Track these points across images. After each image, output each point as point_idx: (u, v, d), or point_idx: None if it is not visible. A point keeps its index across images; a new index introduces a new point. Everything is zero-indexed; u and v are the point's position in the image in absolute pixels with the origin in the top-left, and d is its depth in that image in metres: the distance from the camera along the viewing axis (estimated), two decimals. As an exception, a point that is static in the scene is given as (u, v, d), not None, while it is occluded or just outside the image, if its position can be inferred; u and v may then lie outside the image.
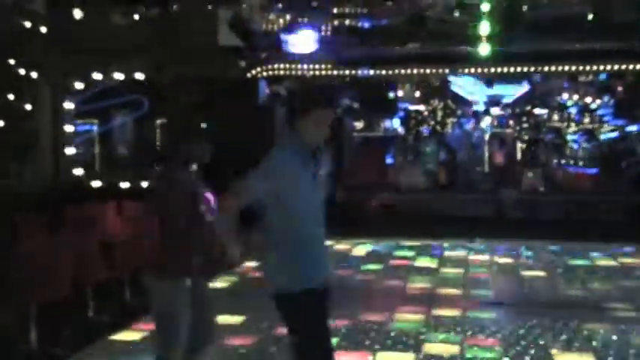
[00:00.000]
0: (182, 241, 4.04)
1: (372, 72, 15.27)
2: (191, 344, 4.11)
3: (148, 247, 4.38)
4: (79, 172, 14.39)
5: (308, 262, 3.49)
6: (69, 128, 14.32)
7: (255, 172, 3.46)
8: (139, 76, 14.11)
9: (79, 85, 14.20)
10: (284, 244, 3.48)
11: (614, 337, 6.27)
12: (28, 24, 12.94)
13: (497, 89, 19.55)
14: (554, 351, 5.85)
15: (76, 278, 6.25)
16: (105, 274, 6.97)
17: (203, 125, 4.20)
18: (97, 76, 14.17)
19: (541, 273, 9.27)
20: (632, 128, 18.54)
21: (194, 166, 4.13)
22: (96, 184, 14.24)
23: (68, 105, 14.21)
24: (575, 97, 20.40)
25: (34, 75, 13.37)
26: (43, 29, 13.31)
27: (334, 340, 5.69)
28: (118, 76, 14.19)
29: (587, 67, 14.83)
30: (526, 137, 20.56)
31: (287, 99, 3.42)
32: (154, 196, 4.17)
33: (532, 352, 5.83)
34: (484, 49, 14.01)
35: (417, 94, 21.79)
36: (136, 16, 13.89)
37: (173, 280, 4.04)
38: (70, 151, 14.26)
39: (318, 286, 3.49)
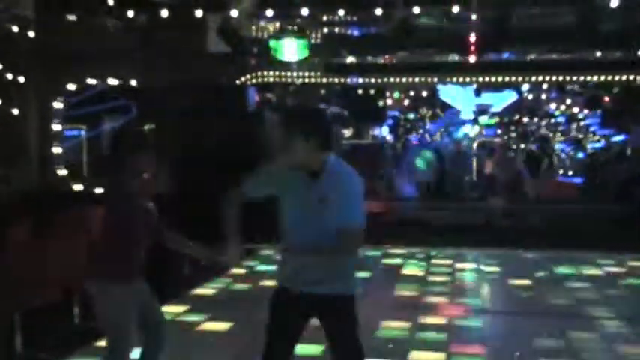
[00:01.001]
0: (122, 246, 4.10)
1: (361, 80, 15.31)
2: (143, 351, 4.19)
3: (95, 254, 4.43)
4: (66, 177, 14.32)
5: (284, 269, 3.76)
6: (57, 133, 14.26)
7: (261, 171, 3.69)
8: (128, 81, 14.08)
9: (67, 91, 14.15)
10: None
11: (600, 346, 6.30)
12: (16, 29, 12.89)
13: (486, 98, 19.68)
14: (540, 359, 5.88)
15: (64, 284, 6.23)
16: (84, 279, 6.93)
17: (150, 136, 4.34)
18: (86, 81, 14.13)
19: (527, 281, 9.30)
20: (619, 138, 18.68)
21: (145, 176, 4.16)
22: (84, 189, 14.19)
23: (56, 110, 14.15)
24: (563, 107, 20.56)
25: (21, 80, 13.33)
26: (32, 34, 13.27)
27: (319, 348, 5.70)
28: (107, 81, 14.16)
29: (575, 78, 14.92)
30: (530, 148, 20.68)
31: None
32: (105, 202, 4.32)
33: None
34: (473, 58, 14.07)
35: (406, 102, 21.89)
36: (125, 22, 13.86)
37: (115, 284, 4.07)
38: (58, 156, 14.21)
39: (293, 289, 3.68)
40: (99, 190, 13.46)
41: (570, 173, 20.18)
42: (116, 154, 4.20)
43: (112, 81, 14.10)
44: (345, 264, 3.71)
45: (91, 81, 14.14)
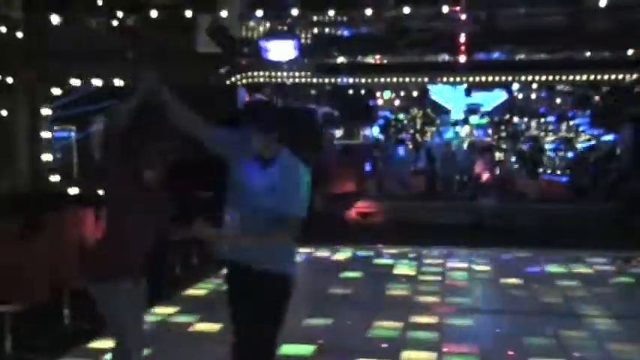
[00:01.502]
0: (123, 241, 3.98)
1: (351, 80, 15.31)
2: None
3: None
4: (56, 178, 14.25)
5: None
6: (46, 134, 14.19)
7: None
8: (117, 82, 14.03)
9: (56, 92, 14.09)
10: None
11: (590, 344, 6.32)
12: (4, 29, 12.82)
13: (476, 98, 19.73)
14: (531, 358, 5.89)
15: (53, 285, 6.19)
16: (82, 280, 6.89)
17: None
18: (75, 82, 14.07)
19: (518, 280, 9.32)
20: (608, 137, 18.75)
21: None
22: (73, 190, 14.12)
23: (45, 111, 14.08)
24: (553, 106, 20.63)
25: (10, 81, 13.25)
26: (20, 34, 13.20)
27: (311, 348, 5.69)
28: (96, 82, 14.10)
29: (564, 77, 14.97)
30: (522, 148, 20.74)
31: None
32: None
33: (509, 359, 5.86)
34: (463, 58, 14.09)
35: (397, 102, 21.90)
36: (114, 23, 13.81)
37: (113, 281, 4.00)
38: (47, 157, 14.14)
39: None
40: (85, 191, 13.42)
41: (558, 172, 20.25)
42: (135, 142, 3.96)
43: (102, 82, 14.05)
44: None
45: (80, 82, 14.08)
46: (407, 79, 15.41)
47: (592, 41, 13.71)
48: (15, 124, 13.66)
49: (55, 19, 13.28)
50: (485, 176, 16.55)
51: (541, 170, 19.56)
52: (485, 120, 22.58)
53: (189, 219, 3.71)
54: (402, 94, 21.19)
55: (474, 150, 18.67)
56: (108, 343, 6.20)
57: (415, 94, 20.55)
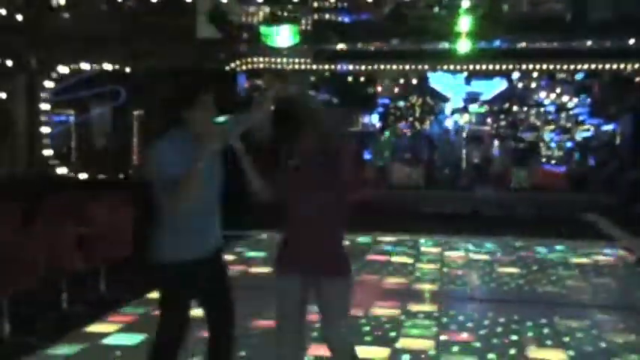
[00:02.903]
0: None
1: (351, 67, 15.28)
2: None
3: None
4: (54, 162, 14.24)
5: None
6: (45, 118, 14.17)
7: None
8: (117, 66, 13.99)
9: (55, 75, 14.05)
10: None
11: (588, 334, 6.33)
12: (4, 12, 12.77)
13: (476, 86, 19.67)
14: (528, 347, 5.91)
15: (51, 269, 6.19)
16: (80, 265, 6.91)
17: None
18: (74, 65, 14.03)
19: (516, 270, 9.33)
20: (608, 127, 18.74)
21: None
22: (72, 174, 14.12)
23: (44, 94, 14.05)
24: (553, 95, 20.58)
25: (9, 63, 13.22)
26: (20, 17, 13.15)
27: (311, 335, 5.70)
28: (95, 65, 14.06)
29: (565, 66, 14.94)
30: (519, 136, 20.69)
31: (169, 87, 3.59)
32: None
33: (507, 347, 5.87)
34: (463, 46, 14.05)
35: (396, 90, 21.83)
36: (114, 7, 13.75)
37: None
38: (45, 140, 14.12)
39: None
40: (84, 176, 13.43)
41: (554, 162, 20.22)
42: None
43: (100, 65, 14.00)
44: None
45: (79, 65, 14.04)
46: (407, 67, 15.37)
47: (593, 31, 13.68)
48: (14, 107, 13.63)
49: (55, 2, 13.23)
50: (483, 163, 16.57)
51: (540, 160, 19.54)
52: (484, 109, 22.53)
53: None
54: (402, 81, 21.12)
55: (473, 139, 18.66)
56: (105, 327, 6.24)
57: (415, 81, 20.49)
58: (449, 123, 21.33)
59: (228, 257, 9.55)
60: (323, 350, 4.17)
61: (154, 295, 7.38)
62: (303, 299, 3.88)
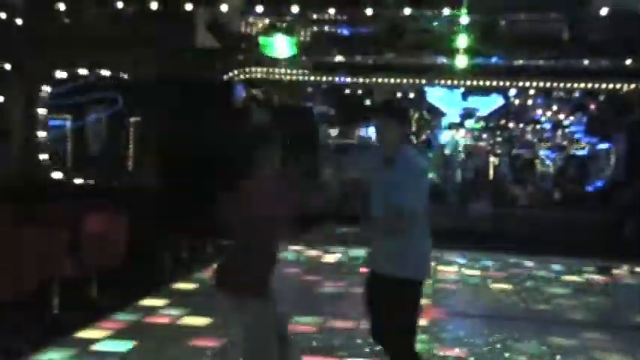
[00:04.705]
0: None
1: (349, 79, 15.29)
2: None
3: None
4: (49, 167, 14.19)
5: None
6: (41, 123, 14.13)
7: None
8: (115, 73, 13.99)
9: (52, 80, 14.03)
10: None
11: (578, 351, 6.32)
12: (3, 15, 12.77)
13: (473, 102, 19.71)
14: (519, 364, 5.90)
15: (42, 275, 6.16)
16: (72, 271, 6.88)
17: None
18: (72, 71, 14.02)
19: (508, 286, 9.33)
20: (603, 146, 18.79)
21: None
22: (66, 180, 14.08)
23: (41, 99, 14.02)
24: (549, 113, 20.64)
25: (7, 67, 13.21)
26: (19, 21, 13.14)
27: (302, 346, 5.67)
28: (93, 72, 14.05)
29: (562, 84, 14.98)
30: (518, 154, 20.75)
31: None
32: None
33: (498, 364, 5.87)
34: (461, 62, 14.08)
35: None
36: (114, 14, 13.75)
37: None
38: (41, 146, 14.08)
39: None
40: (79, 181, 13.38)
41: (545, 180, 20.29)
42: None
43: (99, 72, 14.00)
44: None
45: (78, 71, 14.04)
46: (404, 81, 15.39)
47: (591, 49, 13.73)
48: (10, 111, 13.61)
49: (55, 6, 13.22)
50: (478, 179, 16.59)
51: (534, 177, 19.59)
52: (480, 124, 22.58)
53: None
54: (399, 95, 21.16)
55: (468, 154, 18.69)
56: (95, 334, 6.20)
57: (412, 95, 20.53)
58: (445, 138, 21.37)
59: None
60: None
61: (148, 302, 7.39)
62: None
